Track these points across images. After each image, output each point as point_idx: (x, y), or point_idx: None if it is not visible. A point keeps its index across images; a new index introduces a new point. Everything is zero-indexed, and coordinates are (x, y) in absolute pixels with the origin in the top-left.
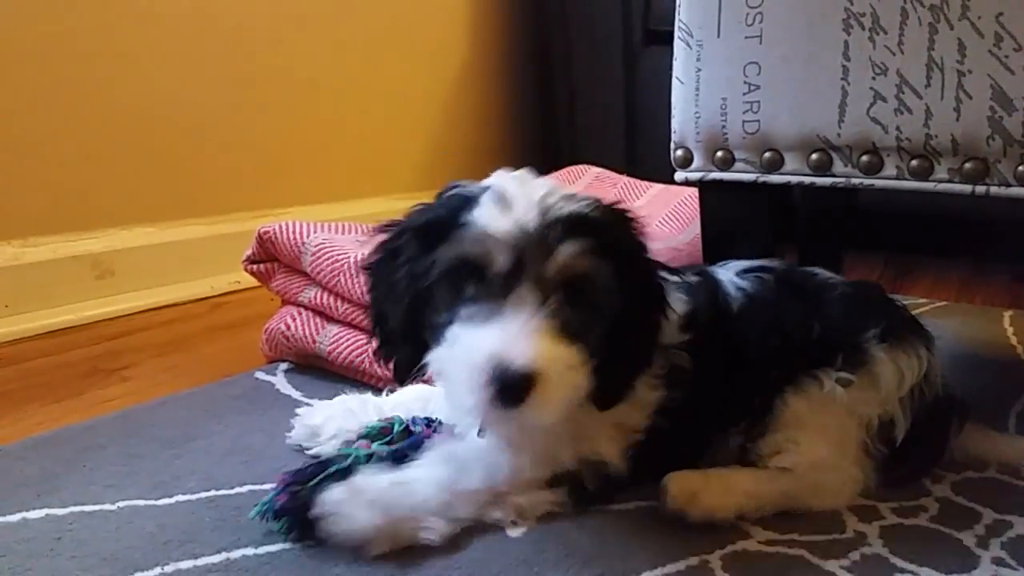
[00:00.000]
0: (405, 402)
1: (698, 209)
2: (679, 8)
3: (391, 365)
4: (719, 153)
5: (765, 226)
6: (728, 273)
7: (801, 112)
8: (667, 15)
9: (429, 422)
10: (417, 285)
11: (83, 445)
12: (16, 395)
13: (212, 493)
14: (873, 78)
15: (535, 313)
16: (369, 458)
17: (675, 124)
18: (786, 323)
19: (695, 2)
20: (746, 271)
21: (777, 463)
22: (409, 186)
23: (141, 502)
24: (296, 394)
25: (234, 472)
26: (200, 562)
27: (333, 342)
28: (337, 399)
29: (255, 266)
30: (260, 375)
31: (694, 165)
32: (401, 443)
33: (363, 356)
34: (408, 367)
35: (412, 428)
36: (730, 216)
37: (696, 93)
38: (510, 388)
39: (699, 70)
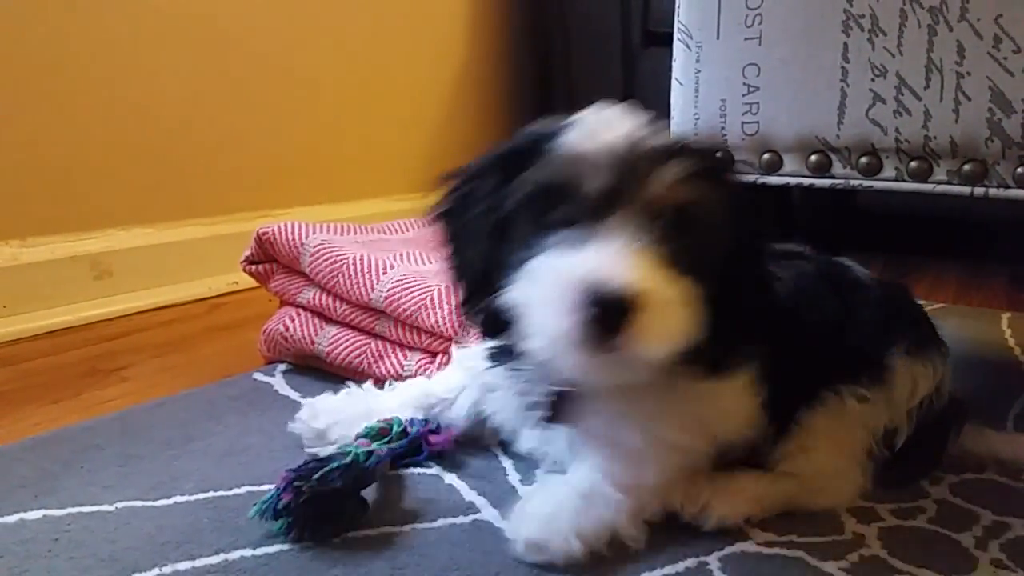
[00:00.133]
0: (410, 398)
1: None
2: (679, 9)
3: (480, 321)
4: (718, 154)
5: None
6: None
7: (800, 113)
8: (666, 16)
9: (426, 423)
10: (496, 218)
11: (81, 446)
12: (14, 396)
13: (210, 494)
14: (872, 80)
15: (635, 239)
16: (368, 456)
17: (674, 125)
18: (828, 327)
19: (695, 3)
20: (783, 255)
21: (784, 468)
22: (408, 187)
23: (139, 503)
24: (294, 395)
25: (232, 473)
26: (198, 563)
27: (331, 343)
28: (342, 395)
29: (254, 267)
30: (258, 376)
31: None
32: (399, 442)
33: (361, 357)
34: (496, 319)
35: (409, 429)
36: None
37: (695, 94)
38: (608, 310)
39: (698, 71)
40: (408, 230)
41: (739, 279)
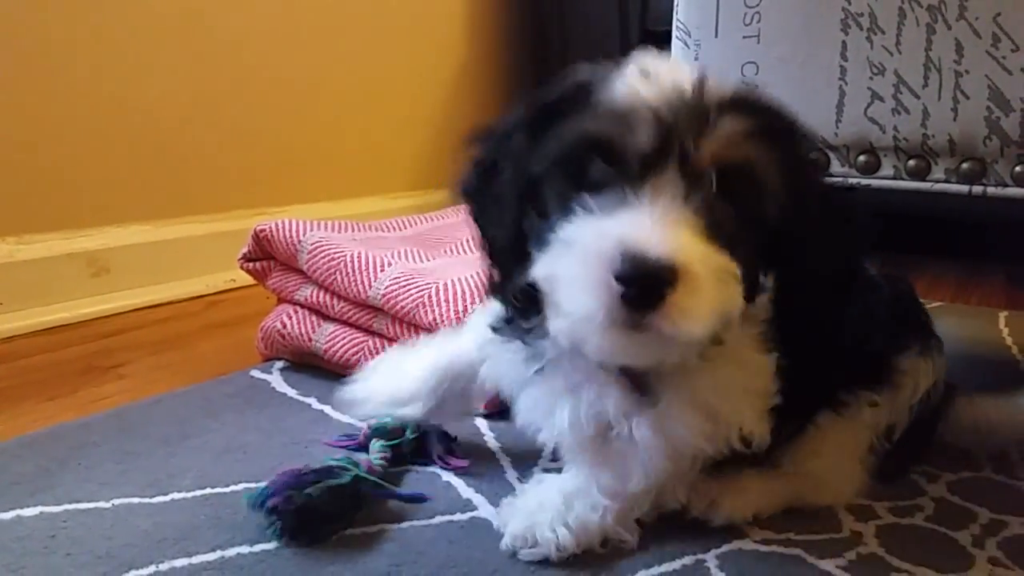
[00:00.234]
0: (463, 352)
1: None
2: (677, 8)
3: (510, 299)
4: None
5: None
6: None
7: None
8: (664, 15)
9: (447, 436)
10: (526, 181)
11: (78, 443)
12: (11, 392)
13: (207, 491)
14: (871, 78)
15: (681, 204)
16: (364, 481)
17: None
18: (846, 329)
19: (693, 2)
20: None
21: (788, 467)
22: (406, 185)
23: (136, 500)
24: (292, 392)
25: (229, 470)
26: (195, 560)
27: (329, 340)
28: (389, 361)
29: (251, 264)
30: (256, 373)
31: None
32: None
33: (359, 354)
34: (527, 298)
35: (425, 440)
36: None
37: None
38: (646, 281)
39: None
40: (406, 227)
41: (803, 262)
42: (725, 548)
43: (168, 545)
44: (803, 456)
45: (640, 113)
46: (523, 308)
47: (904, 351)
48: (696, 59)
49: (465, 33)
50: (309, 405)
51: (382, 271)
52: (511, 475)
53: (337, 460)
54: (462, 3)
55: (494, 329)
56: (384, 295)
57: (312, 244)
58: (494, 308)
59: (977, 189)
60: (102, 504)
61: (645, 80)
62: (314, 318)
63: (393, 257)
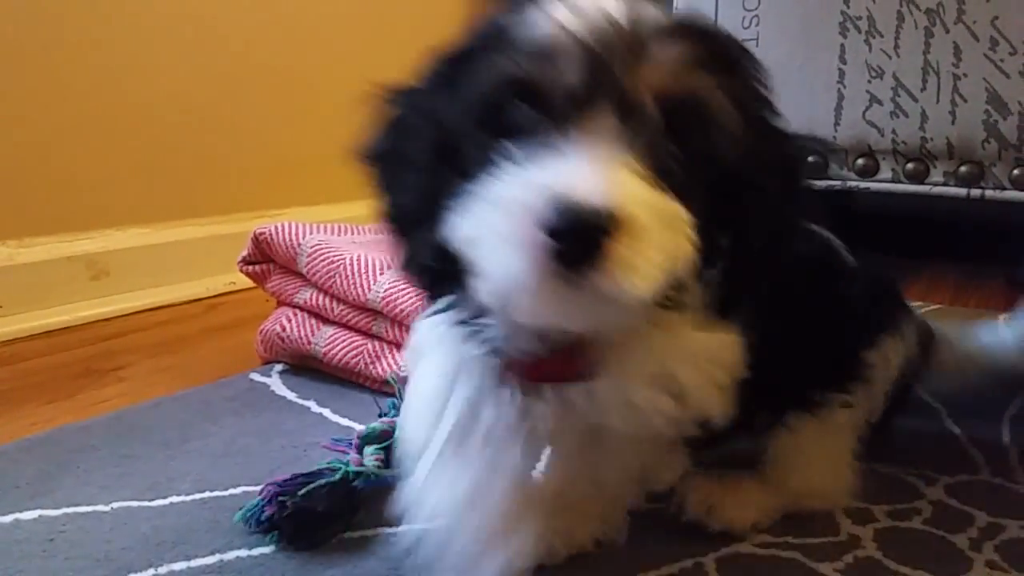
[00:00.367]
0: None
1: None
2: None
3: (422, 274)
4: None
5: None
6: None
7: (797, 115)
8: None
9: None
10: (440, 136)
11: (77, 446)
12: (10, 396)
13: (206, 495)
14: (869, 81)
15: (619, 146)
16: (357, 476)
17: None
18: (818, 320)
19: (691, 5)
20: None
21: (779, 484)
22: None
23: (135, 503)
24: (291, 395)
25: (228, 474)
26: (194, 563)
27: (328, 343)
28: None
29: (251, 267)
30: (255, 376)
31: None
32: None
33: (358, 357)
34: (443, 267)
35: None
36: None
37: None
38: (581, 232)
39: None
40: None
41: (751, 210)
42: (723, 552)
43: (167, 548)
44: (786, 465)
45: (564, 45)
46: (440, 281)
47: (871, 346)
48: None
49: None
50: (308, 408)
51: (382, 274)
52: None
53: (328, 463)
54: (463, 5)
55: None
56: (384, 298)
57: (312, 247)
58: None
59: (975, 192)
60: (101, 507)
61: (568, 11)
62: (313, 321)
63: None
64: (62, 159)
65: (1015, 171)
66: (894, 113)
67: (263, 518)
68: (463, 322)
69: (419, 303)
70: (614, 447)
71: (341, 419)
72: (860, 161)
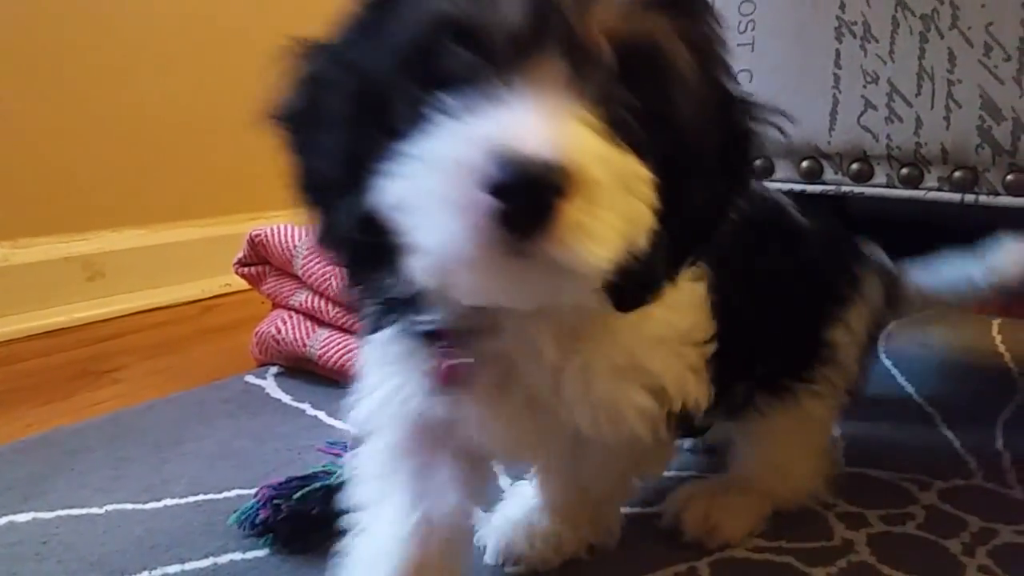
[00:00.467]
0: None
1: None
2: None
3: (340, 251)
4: None
5: None
6: None
7: (793, 120)
8: None
9: None
10: (363, 90)
11: (72, 448)
12: (5, 397)
13: (200, 497)
14: (864, 86)
15: (569, 94)
16: None
17: None
18: (774, 295)
19: None
20: None
21: (760, 485)
22: None
23: (129, 506)
24: (286, 398)
25: (223, 476)
26: (188, 566)
27: (323, 346)
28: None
29: (246, 269)
30: (250, 379)
31: None
32: None
33: (353, 360)
34: (367, 243)
35: None
36: None
37: None
38: (528, 190)
39: None
40: None
41: (693, 176)
42: (717, 556)
43: (161, 551)
44: (762, 462)
45: None
46: (364, 257)
47: (834, 322)
48: None
49: None
50: (303, 411)
51: None
52: (504, 481)
53: (322, 466)
54: None
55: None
56: None
57: (307, 249)
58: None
59: (969, 198)
60: (95, 510)
61: None
62: (309, 323)
63: None
64: (58, 160)
65: (1008, 177)
66: (889, 118)
67: (258, 521)
68: (393, 309)
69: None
70: (596, 450)
71: (336, 422)
72: (855, 166)
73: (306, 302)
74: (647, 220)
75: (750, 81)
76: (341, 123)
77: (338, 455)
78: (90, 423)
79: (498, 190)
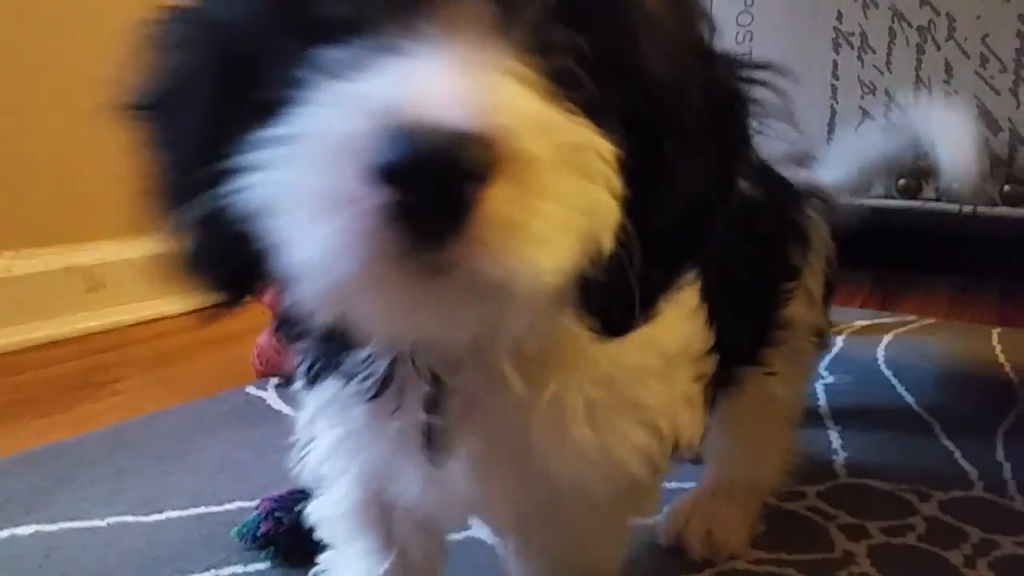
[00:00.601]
0: None
1: None
2: None
3: (216, 289)
4: None
5: None
6: None
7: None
8: None
9: None
10: (224, 58)
11: (73, 460)
12: (6, 409)
13: (202, 510)
14: (862, 96)
15: (493, 41)
16: None
17: None
18: (724, 273)
19: None
20: None
21: (739, 487)
22: None
23: (131, 518)
24: (287, 409)
25: (224, 488)
26: None
27: None
28: None
29: None
30: (251, 390)
31: None
32: None
33: None
34: (226, 248)
35: None
36: None
37: None
38: (437, 173)
39: None
40: None
41: (687, 141)
42: (718, 569)
43: (162, 564)
44: (734, 449)
45: None
46: (236, 283)
47: (792, 298)
48: None
49: None
50: None
51: None
52: None
53: None
54: None
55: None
56: None
57: None
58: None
59: (967, 208)
60: (97, 522)
61: None
62: None
63: None
64: (59, 171)
65: (1005, 187)
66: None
67: (259, 534)
68: (328, 348)
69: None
70: (581, 509)
71: None
72: None
73: None
74: (610, 210)
75: None
76: (201, 101)
77: None
78: (91, 435)
79: (392, 176)
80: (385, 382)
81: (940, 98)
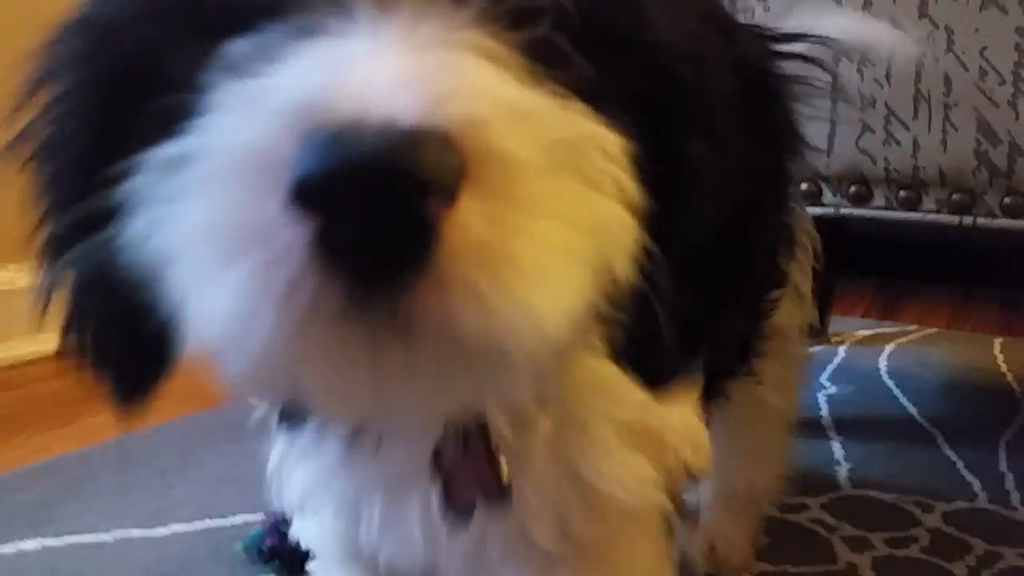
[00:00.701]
0: None
1: None
2: None
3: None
4: None
5: None
6: None
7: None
8: None
9: None
10: (117, 71)
11: (78, 474)
12: (11, 422)
13: (207, 523)
14: (861, 109)
15: (444, 15)
16: None
17: None
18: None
19: None
20: None
21: (740, 483)
22: None
23: (136, 532)
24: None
25: (229, 501)
26: None
27: None
28: None
29: None
30: (255, 402)
31: None
32: None
33: None
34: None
35: None
36: None
37: None
38: (373, 191)
39: None
40: None
41: (717, 133)
42: None
43: None
44: (731, 457)
45: None
46: (130, 361)
47: (773, 309)
48: None
49: None
50: None
51: None
52: None
53: None
54: None
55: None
56: None
57: None
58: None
59: (967, 220)
60: (103, 536)
61: None
62: None
63: None
64: None
65: (1006, 199)
66: (886, 141)
67: (264, 548)
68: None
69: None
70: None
71: None
72: (853, 189)
73: None
74: (625, 226)
75: None
76: (83, 126)
77: None
78: (95, 448)
79: (317, 197)
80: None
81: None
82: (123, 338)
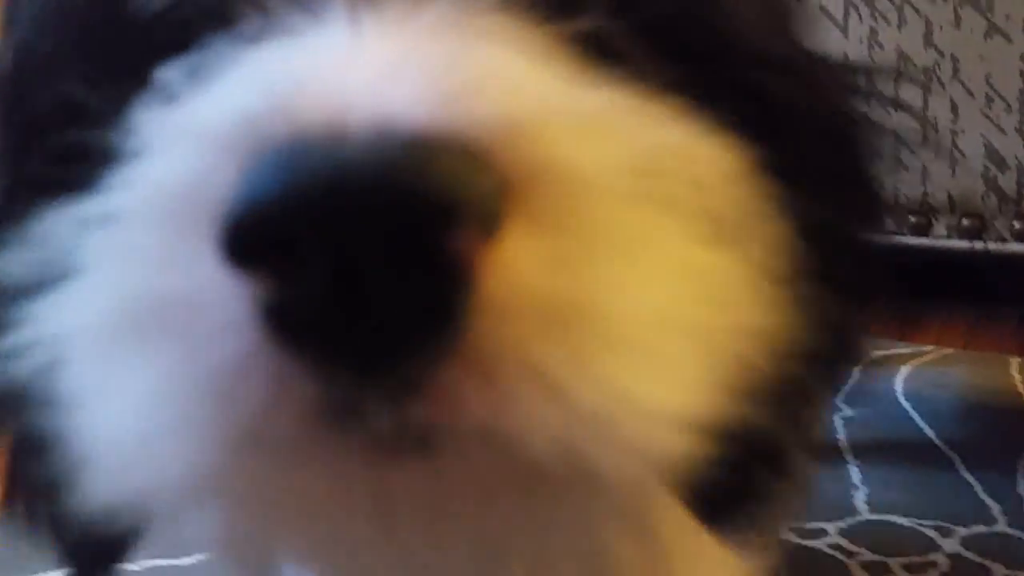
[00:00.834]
0: None
1: None
2: None
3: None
4: None
5: None
6: None
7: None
8: None
9: None
10: (17, 102)
11: None
12: None
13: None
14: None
15: (466, 4)
16: None
17: None
18: None
19: None
20: None
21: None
22: None
23: (163, 562)
24: None
25: None
26: None
27: None
28: None
29: None
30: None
31: None
32: None
33: None
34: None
35: None
36: None
37: None
38: (367, 220)
39: None
40: None
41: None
42: None
43: None
44: None
45: None
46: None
47: None
48: None
49: None
50: None
51: None
52: None
53: None
54: None
55: None
56: None
57: None
58: None
59: (978, 245)
60: (130, 567)
61: None
62: None
63: None
64: None
65: (1015, 224)
66: (895, 168)
67: None
68: None
69: None
70: None
71: None
72: None
73: None
74: (758, 283)
75: None
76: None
77: None
78: None
79: (265, 244)
80: None
81: (947, 138)
82: (62, 512)
